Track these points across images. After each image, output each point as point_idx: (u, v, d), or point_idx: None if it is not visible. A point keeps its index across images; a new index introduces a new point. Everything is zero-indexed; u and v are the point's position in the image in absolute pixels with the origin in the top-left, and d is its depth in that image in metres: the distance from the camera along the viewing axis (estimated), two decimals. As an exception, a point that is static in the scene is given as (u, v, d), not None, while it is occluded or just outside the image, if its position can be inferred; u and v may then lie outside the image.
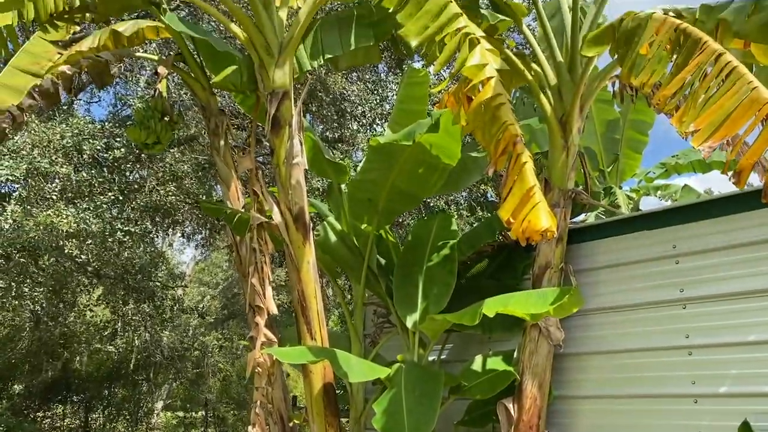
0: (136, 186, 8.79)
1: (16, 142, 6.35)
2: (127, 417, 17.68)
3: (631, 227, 4.03)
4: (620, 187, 8.86)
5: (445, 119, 3.66)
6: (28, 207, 6.36)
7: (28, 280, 7.92)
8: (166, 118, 4.58)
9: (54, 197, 6.52)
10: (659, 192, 8.97)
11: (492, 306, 3.40)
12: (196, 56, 4.72)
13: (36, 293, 8.33)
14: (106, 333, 16.38)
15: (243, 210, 4.43)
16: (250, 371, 3.89)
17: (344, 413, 5.07)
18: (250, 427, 3.77)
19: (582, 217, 5.92)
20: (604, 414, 3.90)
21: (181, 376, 17.88)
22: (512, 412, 4.06)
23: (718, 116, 2.53)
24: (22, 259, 7.10)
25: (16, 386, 15.87)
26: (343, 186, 5.20)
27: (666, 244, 3.80)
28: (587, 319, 4.10)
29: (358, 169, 4.80)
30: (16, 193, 6.71)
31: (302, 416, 4.52)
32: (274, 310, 3.97)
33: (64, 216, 6.11)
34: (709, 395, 3.45)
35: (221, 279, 22.90)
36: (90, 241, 6.92)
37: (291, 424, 4.30)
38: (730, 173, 2.52)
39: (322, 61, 4.63)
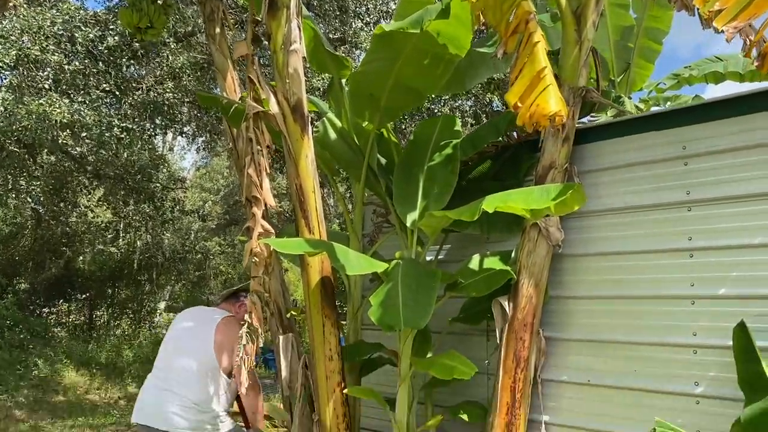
0: (133, 84, 8.57)
1: (5, 27, 6.08)
2: (131, 315, 18.17)
3: (639, 128, 3.89)
4: (630, 98, 8.62)
5: (456, 4, 3.44)
6: (20, 95, 6.18)
7: (24, 174, 7.85)
8: (159, 1, 4.35)
9: (47, 86, 6.33)
10: (669, 103, 8.74)
11: (492, 202, 3.32)
12: (190, -66, 4.43)
13: (33, 187, 8.28)
14: (107, 234, 16.56)
15: (239, 101, 4.28)
16: (246, 261, 3.87)
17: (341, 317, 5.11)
18: (246, 315, 3.79)
19: (587, 119, 5.75)
20: (599, 314, 3.91)
21: (183, 278, 18.26)
22: (507, 310, 4.08)
23: (747, -5, 2.35)
24: (16, 150, 6.98)
25: (21, 283, 16.18)
26: (344, 82, 5.01)
27: (676, 145, 3.68)
28: (587, 221, 4.05)
29: (360, 61, 4.60)
30: (7, 80, 6.51)
31: (300, 310, 4.55)
32: (272, 202, 3.90)
33: (57, 106, 5.94)
34: (708, 297, 3.44)
35: (222, 185, 22.92)
36: (85, 134, 6.78)
37: (288, 316, 4.34)
38: (753, 56, 2.36)
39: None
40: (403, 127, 9.74)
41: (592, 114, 5.17)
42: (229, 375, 4.11)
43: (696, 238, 3.52)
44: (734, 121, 3.47)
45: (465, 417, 4.30)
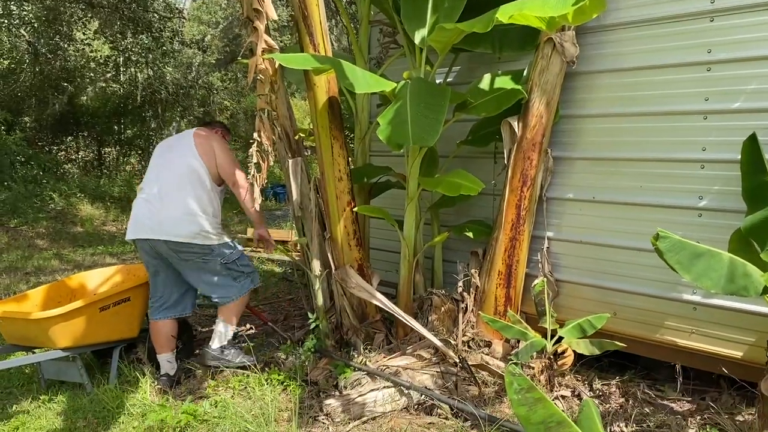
0: None
1: None
2: (139, 152, 18.30)
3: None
4: None
5: None
6: None
7: (13, -1, 7.46)
8: None
9: None
10: None
11: (507, 11, 3.13)
12: None
13: (26, 13, 7.92)
14: (108, 69, 16.17)
15: None
16: (251, 78, 3.77)
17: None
18: (255, 134, 3.77)
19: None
20: (609, 132, 3.88)
21: (188, 114, 18.11)
22: (516, 129, 4.06)
23: None
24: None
25: (27, 122, 16.12)
26: None
27: (706, -52, 3.42)
28: (603, 36, 3.88)
29: None
30: None
31: (308, 131, 4.54)
32: (274, 15, 3.71)
33: None
34: (721, 111, 3.38)
35: (221, 18, 21.96)
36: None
37: (296, 138, 4.33)
38: None
39: None
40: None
41: None
42: (219, 184, 4.10)
43: (716, 50, 3.39)
44: None
45: (470, 234, 4.45)
